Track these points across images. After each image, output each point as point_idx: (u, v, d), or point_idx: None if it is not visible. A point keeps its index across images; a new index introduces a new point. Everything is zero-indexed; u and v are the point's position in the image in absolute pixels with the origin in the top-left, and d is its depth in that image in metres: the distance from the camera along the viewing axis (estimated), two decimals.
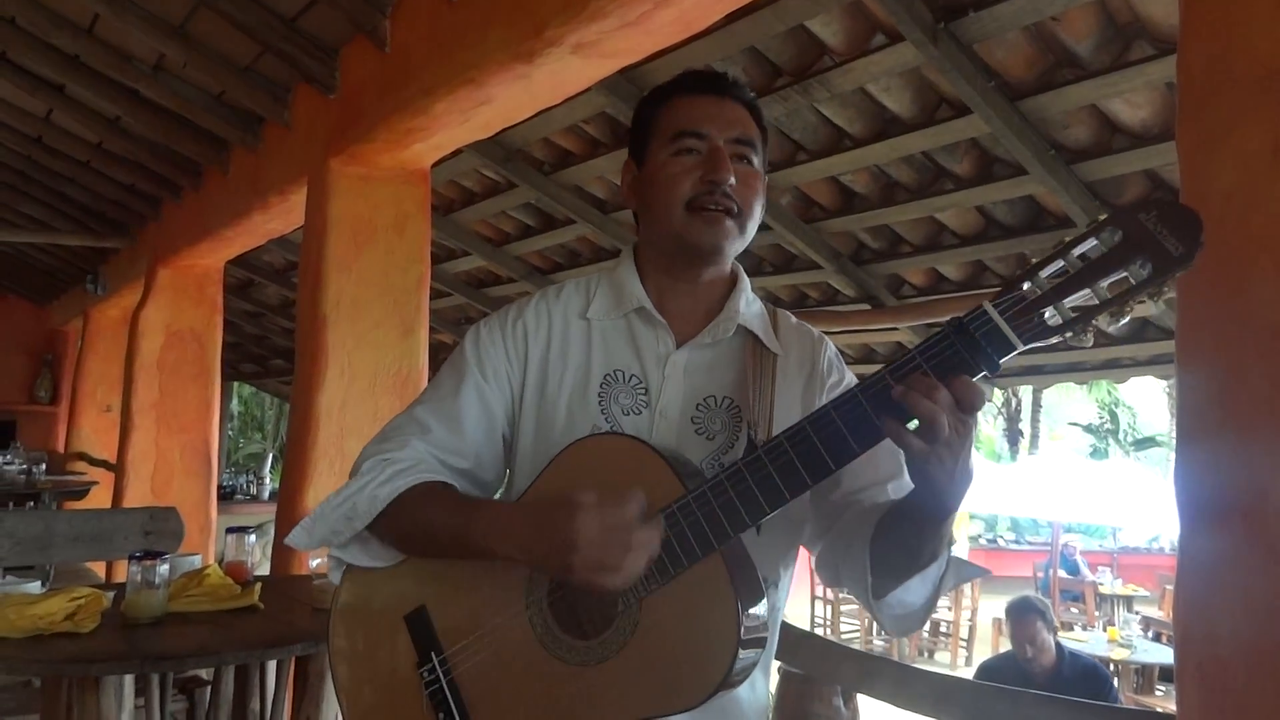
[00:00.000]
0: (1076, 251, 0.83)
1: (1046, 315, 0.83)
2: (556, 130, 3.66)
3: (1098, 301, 0.82)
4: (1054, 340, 0.84)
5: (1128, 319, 0.82)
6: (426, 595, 1.07)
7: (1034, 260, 0.84)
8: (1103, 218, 0.83)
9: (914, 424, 0.85)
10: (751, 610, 0.93)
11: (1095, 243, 0.82)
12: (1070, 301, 0.83)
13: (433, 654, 1.04)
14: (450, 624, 1.05)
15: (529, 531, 0.95)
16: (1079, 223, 3.00)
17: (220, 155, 4.53)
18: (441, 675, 1.03)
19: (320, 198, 3.29)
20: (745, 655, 0.91)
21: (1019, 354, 0.84)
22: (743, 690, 1.02)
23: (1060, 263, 0.83)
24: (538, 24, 2.18)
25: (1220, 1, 1.18)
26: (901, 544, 0.97)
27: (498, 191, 4.36)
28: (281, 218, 4.18)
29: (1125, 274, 0.81)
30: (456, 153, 3.47)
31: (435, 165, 3.41)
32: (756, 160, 1.12)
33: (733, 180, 1.07)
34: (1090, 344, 0.83)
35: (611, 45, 2.19)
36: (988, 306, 0.84)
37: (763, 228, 3.87)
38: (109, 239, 6.55)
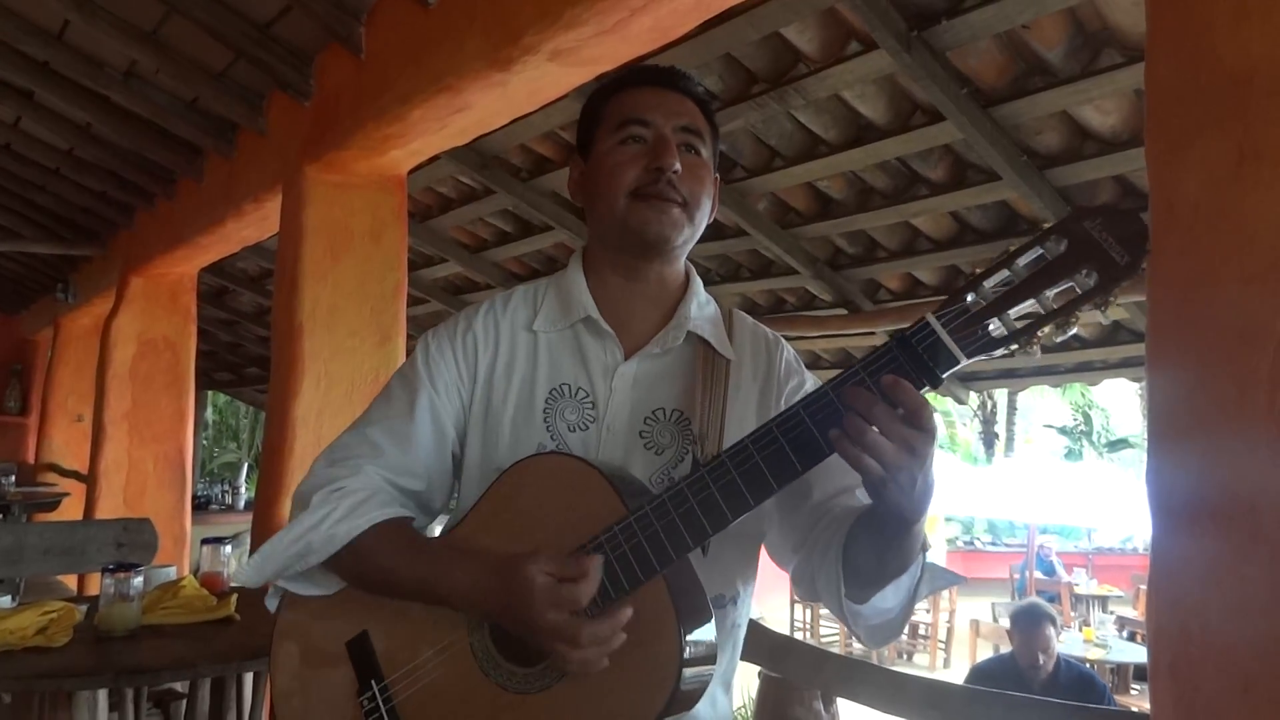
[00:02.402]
0: (1022, 261, 0.81)
1: (991, 327, 0.81)
2: (534, 137, 3.66)
3: (1043, 312, 0.80)
4: (999, 353, 0.82)
5: (1075, 329, 0.80)
6: (369, 621, 1.05)
7: (978, 270, 0.82)
8: (1047, 226, 0.82)
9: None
10: (695, 631, 0.90)
11: (1040, 252, 0.81)
12: (1015, 312, 0.81)
13: (373, 681, 1.02)
14: (392, 650, 1.02)
15: (490, 599, 0.93)
16: None
17: (194, 162, 4.48)
18: (381, 703, 1.00)
19: (296, 205, 3.27)
20: (691, 675, 0.89)
21: (963, 367, 0.82)
22: (702, 707, 0.99)
23: (1005, 272, 0.82)
24: (514, 31, 2.19)
25: (1186, 11, 1.20)
26: (870, 553, 0.95)
27: (475, 198, 4.35)
28: (256, 225, 4.15)
29: (1071, 284, 0.79)
30: (433, 159, 3.47)
31: (412, 172, 3.40)
32: (705, 151, 1.10)
33: (678, 167, 1.04)
34: (1038, 355, 0.81)
35: (588, 52, 2.19)
36: (930, 319, 0.82)
37: (740, 233, 3.92)
38: (80, 247, 6.46)
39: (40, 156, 5.15)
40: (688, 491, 0.89)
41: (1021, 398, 18.23)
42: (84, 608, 2.08)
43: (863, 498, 1.02)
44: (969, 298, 0.81)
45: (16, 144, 5.04)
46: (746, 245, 3.90)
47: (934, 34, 2.45)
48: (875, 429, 0.81)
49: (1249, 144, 1.10)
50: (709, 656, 0.93)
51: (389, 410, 1.10)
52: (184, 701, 2.53)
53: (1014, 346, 0.81)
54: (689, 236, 1.09)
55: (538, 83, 2.39)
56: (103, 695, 1.88)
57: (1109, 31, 2.39)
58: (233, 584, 2.43)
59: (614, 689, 0.90)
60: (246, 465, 11.13)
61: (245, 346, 8.37)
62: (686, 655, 0.87)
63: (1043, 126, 2.75)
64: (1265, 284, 1.07)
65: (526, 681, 0.94)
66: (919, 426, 0.81)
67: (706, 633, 0.92)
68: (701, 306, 1.13)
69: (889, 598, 0.98)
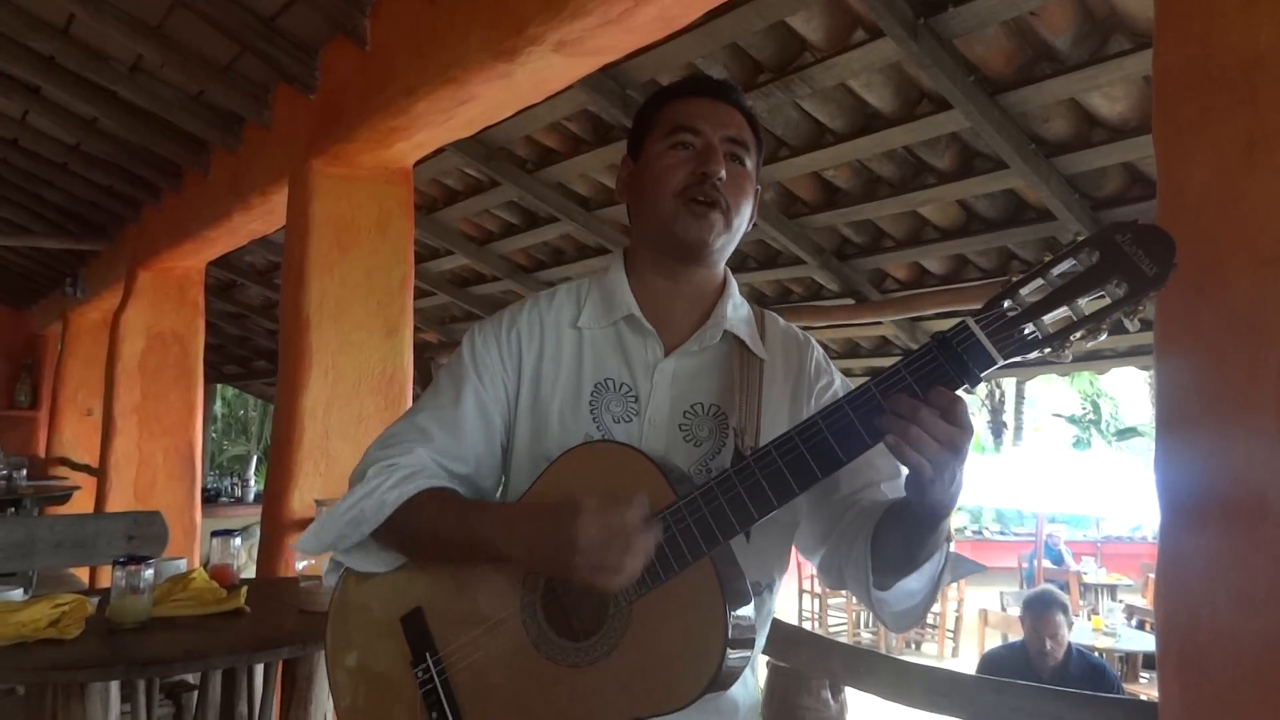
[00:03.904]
0: (1056, 270, 0.86)
1: (1026, 331, 0.86)
2: (539, 128, 3.66)
3: (1075, 319, 0.85)
4: (1033, 355, 0.88)
5: (1105, 335, 0.85)
6: (423, 598, 1.09)
7: (1015, 278, 0.88)
8: (1081, 238, 0.86)
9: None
10: (739, 613, 0.95)
11: (1074, 262, 0.86)
12: (1049, 318, 0.86)
13: (427, 654, 1.06)
14: (445, 625, 1.07)
15: (533, 531, 0.98)
16: (1059, 216, 3.02)
17: (200, 156, 4.49)
18: (435, 675, 1.05)
19: (302, 198, 3.28)
20: (734, 656, 0.93)
21: (1000, 368, 0.88)
22: (736, 688, 1.05)
23: (1040, 281, 0.87)
24: (519, 22, 2.18)
25: None
26: (899, 544, 1.00)
27: (481, 190, 4.35)
28: (263, 218, 4.16)
29: (1102, 293, 0.84)
30: (439, 151, 3.46)
31: (417, 164, 3.40)
32: (749, 163, 1.15)
33: (724, 174, 1.10)
34: (1069, 359, 0.86)
35: (593, 43, 2.19)
36: (970, 323, 0.88)
37: None
38: (88, 241, 6.49)
39: (48, 151, 5.16)
40: (735, 478, 0.95)
41: (1030, 386, 18.21)
42: (95, 600, 2.09)
43: (888, 492, 1.08)
44: (1006, 303, 0.87)
45: (24, 139, 5.06)
46: (753, 235, 3.89)
47: (941, 21, 2.44)
48: (918, 428, 0.87)
49: (1258, 130, 1.09)
50: (750, 639, 0.98)
51: (437, 401, 1.15)
52: (195, 693, 2.55)
53: (1047, 350, 0.86)
54: (727, 241, 1.14)
55: (542, 74, 2.38)
56: (115, 687, 1.88)
57: (1117, 17, 2.37)
58: (244, 574, 2.45)
59: (661, 664, 0.94)
60: (255, 458, 11.19)
61: (253, 340, 8.40)
62: (731, 635, 0.92)
63: (1050, 114, 2.74)
64: (1276, 271, 1.07)
65: (578, 655, 0.99)
66: (958, 424, 0.87)
67: (748, 616, 0.97)
68: (736, 308, 1.18)
69: (914, 584, 1.03)
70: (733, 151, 1.13)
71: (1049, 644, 4.27)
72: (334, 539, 1.10)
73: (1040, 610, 4.36)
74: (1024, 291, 0.87)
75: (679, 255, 1.14)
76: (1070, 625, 4.36)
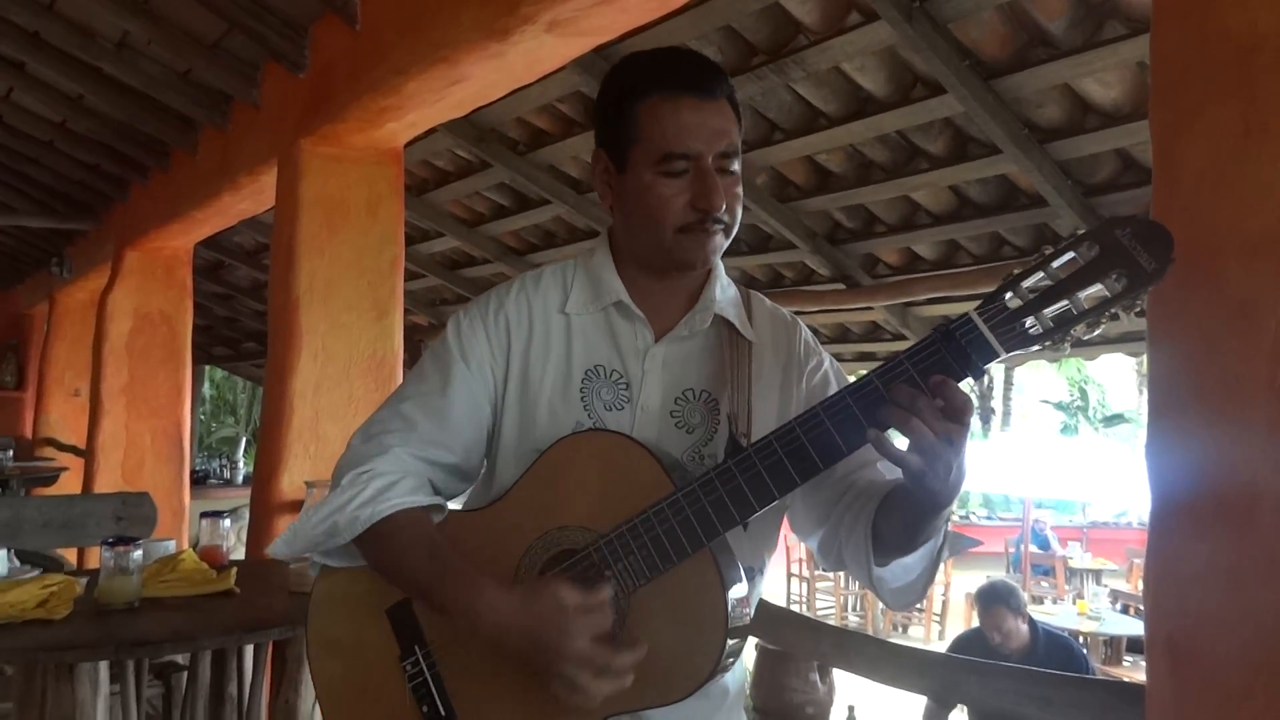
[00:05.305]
0: (1056, 264, 0.87)
1: (1028, 324, 0.87)
2: (531, 109, 3.63)
3: (1075, 312, 0.86)
4: (1035, 348, 0.88)
5: (1102, 328, 0.86)
6: None
7: (1016, 271, 0.89)
8: (1081, 233, 0.87)
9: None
10: (737, 603, 0.95)
11: (1074, 256, 0.86)
12: (1050, 311, 0.87)
13: (416, 647, 1.04)
14: (435, 617, 1.03)
15: (515, 623, 0.94)
16: (1051, 202, 3.02)
17: (188, 135, 4.45)
18: (426, 668, 1.03)
19: (291, 178, 3.25)
20: (732, 645, 0.94)
21: (1001, 360, 0.89)
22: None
23: (1041, 274, 0.87)
24: (511, 2, 2.16)
25: None
26: (899, 529, 0.99)
27: (472, 171, 4.32)
28: (252, 198, 4.12)
29: (1101, 287, 0.85)
30: (430, 132, 3.44)
31: (408, 145, 3.37)
32: (737, 162, 1.08)
33: (724, 205, 1.05)
34: (1068, 351, 0.87)
35: (586, 23, 2.17)
36: (973, 315, 0.88)
37: None
38: (74, 221, 6.43)
39: (33, 129, 5.10)
40: (735, 469, 0.94)
41: (1018, 373, 18.31)
42: (84, 581, 2.09)
43: (884, 471, 1.06)
44: (1008, 296, 0.88)
45: (8, 116, 4.99)
46: (745, 219, 3.86)
47: (936, 4, 2.43)
48: (918, 419, 0.86)
49: (1255, 116, 1.09)
50: (745, 627, 0.98)
51: (422, 386, 1.12)
52: (185, 674, 2.54)
53: (1048, 343, 0.87)
54: (724, 248, 1.13)
55: (535, 54, 2.36)
56: (104, 667, 1.88)
57: (1112, 3, 2.36)
58: (233, 555, 2.44)
59: (660, 657, 0.93)
60: (244, 440, 11.17)
61: (241, 321, 8.35)
62: (731, 625, 0.92)
63: (1044, 99, 2.73)
64: (1269, 257, 1.07)
65: None
66: (959, 420, 0.87)
67: (744, 604, 0.97)
68: (724, 289, 1.15)
69: (912, 560, 1.03)
70: (724, 166, 1.05)
71: (997, 636, 4.35)
72: (306, 547, 1.08)
73: (985, 605, 4.45)
74: (1025, 285, 0.88)
75: (678, 269, 1.11)
76: (1020, 615, 4.37)
